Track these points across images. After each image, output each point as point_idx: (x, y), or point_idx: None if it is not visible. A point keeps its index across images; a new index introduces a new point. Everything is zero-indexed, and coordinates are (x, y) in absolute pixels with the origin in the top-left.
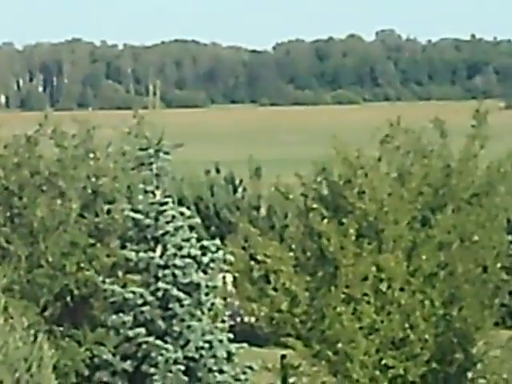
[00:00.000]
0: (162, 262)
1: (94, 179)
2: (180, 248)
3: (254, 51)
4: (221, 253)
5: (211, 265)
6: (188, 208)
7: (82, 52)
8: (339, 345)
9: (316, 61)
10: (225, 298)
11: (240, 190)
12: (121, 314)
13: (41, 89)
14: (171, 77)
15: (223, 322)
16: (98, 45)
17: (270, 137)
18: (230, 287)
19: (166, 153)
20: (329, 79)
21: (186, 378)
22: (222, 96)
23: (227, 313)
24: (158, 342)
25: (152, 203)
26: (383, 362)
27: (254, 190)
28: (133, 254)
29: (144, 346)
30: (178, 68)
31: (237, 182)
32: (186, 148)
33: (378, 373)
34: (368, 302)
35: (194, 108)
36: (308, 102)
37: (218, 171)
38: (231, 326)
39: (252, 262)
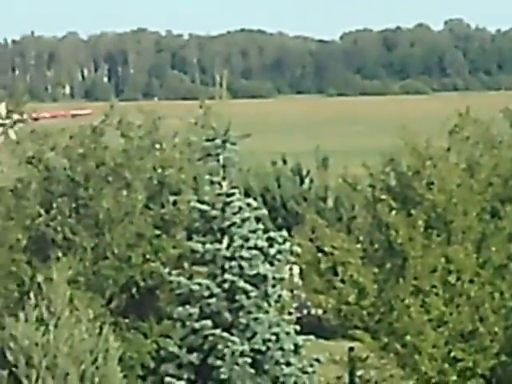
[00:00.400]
0: (228, 254)
1: (159, 170)
2: (247, 239)
3: (321, 41)
4: (288, 244)
5: (278, 256)
6: (254, 199)
7: (147, 42)
8: (407, 337)
9: (384, 50)
10: (291, 290)
11: (307, 180)
12: (187, 306)
13: (106, 79)
14: (237, 67)
15: (290, 314)
16: (163, 34)
17: (337, 127)
18: (296, 279)
19: (233, 143)
20: (397, 69)
21: (252, 371)
22: (288, 86)
23: (294, 305)
24: (225, 334)
25: (219, 194)
26: (452, 354)
27: (320, 180)
28: (199, 245)
29: (210, 339)
30: (244, 58)
31: (304, 172)
32: (253, 139)
33: (446, 365)
34: (437, 294)
35: (260, 98)
36: (375, 92)
37: (284, 162)
38: (298, 318)
39: (319, 254)
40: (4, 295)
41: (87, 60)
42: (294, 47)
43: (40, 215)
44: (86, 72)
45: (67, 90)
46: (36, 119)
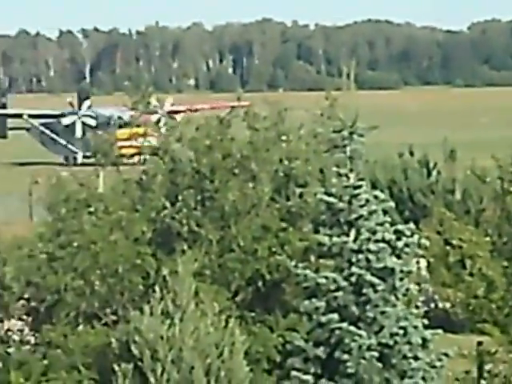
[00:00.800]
0: (355, 247)
1: (286, 162)
2: (374, 232)
3: (448, 31)
4: (415, 237)
5: (406, 249)
6: (381, 191)
7: (272, 32)
8: None
9: None
10: (418, 284)
11: (434, 173)
12: (313, 300)
13: (230, 70)
14: (363, 58)
15: (417, 307)
16: (289, 25)
17: (464, 119)
18: (423, 272)
19: (361, 135)
20: None
21: (379, 365)
22: (415, 77)
23: (421, 298)
24: (352, 328)
25: (346, 186)
26: None
27: (448, 173)
28: (326, 238)
29: (337, 332)
30: (371, 48)
31: (431, 164)
32: (379, 130)
33: None
34: None
35: (386, 90)
36: (504, 83)
37: (411, 154)
38: (425, 312)
39: (447, 247)
40: (129, 288)
41: (212, 51)
42: (421, 38)
43: (165, 207)
44: (210, 63)
45: (192, 81)
46: (195, 110)
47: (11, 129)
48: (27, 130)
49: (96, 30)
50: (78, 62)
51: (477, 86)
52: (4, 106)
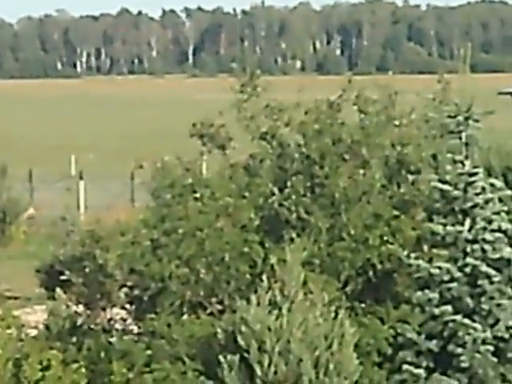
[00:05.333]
0: (470, 237)
1: (398, 148)
2: (490, 221)
3: None
4: None
5: None
6: (496, 179)
7: (382, 13)
8: None
9: None
10: None
11: None
12: (426, 291)
13: (338, 51)
14: (477, 39)
15: None
16: (399, 5)
17: None
18: None
19: (476, 120)
20: None
21: (494, 359)
22: None
23: None
24: (466, 320)
25: (461, 174)
26: None
27: None
28: (439, 227)
29: (451, 325)
30: (485, 30)
31: None
32: (493, 114)
33: None
34: None
35: (500, 73)
36: None
37: None
38: None
39: None
40: (235, 277)
41: (319, 32)
42: None
43: (273, 194)
44: (317, 44)
45: (298, 63)
46: None
47: None
48: None
49: (200, 9)
50: (180, 43)
51: None
52: None
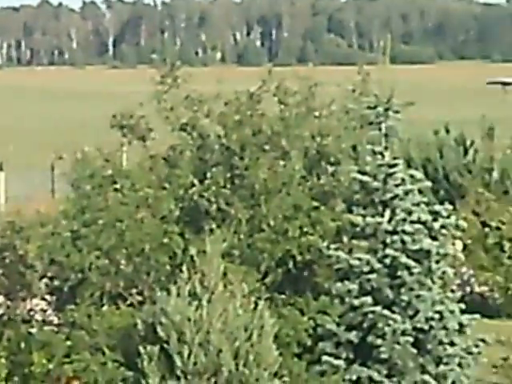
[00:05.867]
0: (390, 228)
1: (318, 139)
2: (409, 213)
3: (486, 4)
4: (453, 218)
5: (442, 231)
6: (416, 170)
7: (302, 4)
8: None
9: None
10: (453, 267)
11: (471, 151)
12: (346, 282)
13: (258, 43)
14: (397, 31)
15: (453, 291)
16: None
17: (503, 95)
18: (459, 255)
19: (396, 112)
20: None
21: (414, 351)
22: (450, 52)
23: (456, 282)
24: (385, 311)
25: (380, 165)
26: None
27: (486, 151)
28: (359, 218)
29: (370, 316)
30: (405, 21)
31: (468, 143)
32: (413, 106)
33: None
34: None
35: (420, 64)
36: None
37: (447, 131)
38: (461, 296)
39: (485, 229)
40: (155, 268)
41: (239, 23)
42: (457, 10)
43: (193, 185)
44: (238, 36)
45: (218, 54)
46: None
47: None
48: None
49: (120, 0)
50: (101, 34)
51: None
52: None
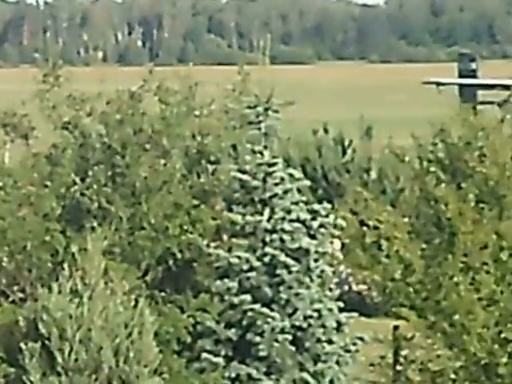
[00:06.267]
0: (269, 226)
1: (198, 138)
2: (289, 212)
3: (364, 5)
4: (331, 217)
5: (321, 230)
6: (294, 169)
7: (183, 5)
8: (456, 316)
9: (430, 16)
10: (331, 265)
11: (349, 151)
12: (226, 280)
13: (140, 43)
14: (276, 31)
15: (331, 290)
16: None
17: (380, 95)
18: (337, 253)
19: (276, 111)
20: (444, 35)
21: (292, 348)
22: (329, 52)
23: (335, 280)
24: (264, 309)
25: (260, 164)
26: (503, 335)
27: (364, 151)
28: (239, 217)
29: (249, 314)
30: (284, 22)
31: (346, 142)
32: (292, 106)
33: (496, 347)
34: (487, 272)
35: (300, 64)
36: (421, 59)
37: (326, 131)
38: (339, 295)
39: (363, 228)
40: (37, 265)
41: (121, 23)
42: (336, 11)
43: (75, 183)
44: (119, 36)
45: (100, 54)
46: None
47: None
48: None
49: (3, 0)
50: None
51: (393, 61)
52: (474, 75)
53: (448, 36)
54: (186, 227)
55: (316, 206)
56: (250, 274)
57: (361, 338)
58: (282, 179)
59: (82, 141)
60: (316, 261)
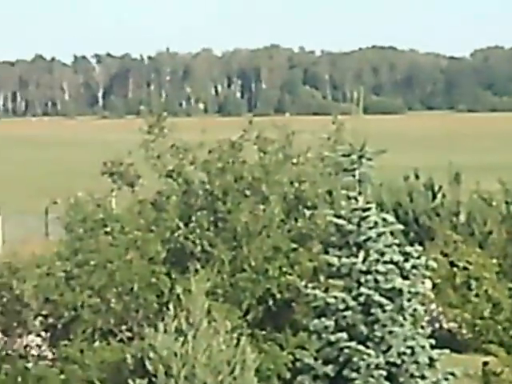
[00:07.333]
0: (364, 268)
1: (296, 184)
2: (382, 254)
3: (452, 58)
4: (423, 259)
5: (413, 271)
6: (387, 213)
7: (280, 58)
8: None
9: None
10: (423, 304)
11: (439, 195)
12: (323, 319)
13: (239, 94)
14: (368, 83)
15: (423, 327)
16: (296, 51)
17: (468, 143)
18: (429, 293)
19: (369, 159)
20: None
21: None
22: (419, 102)
23: (426, 318)
24: (360, 347)
25: (355, 209)
26: None
27: (453, 196)
28: (335, 259)
29: (346, 351)
30: (376, 74)
31: (436, 187)
32: (384, 153)
33: None
34: None
35: (391, 114)
36: (506, 109)
37: (417, 177)
38: (431, 332)
39: (453, 269)
40: (144, 306)
41: (221, 76)
42: (425, 64)
43: (179, 228)
44: (219, 88)
45: (201, 105)
46: None
47: None
48: None
49: (109, 55)
50: (91, 87)
51: (480, 111)
52: None
53: None
54: (284, 269)
55: (408, 249)
56: (346, 313)
57: (452, 374)
58: (376, 223)
59: (185, 188)
60: (409, 300)
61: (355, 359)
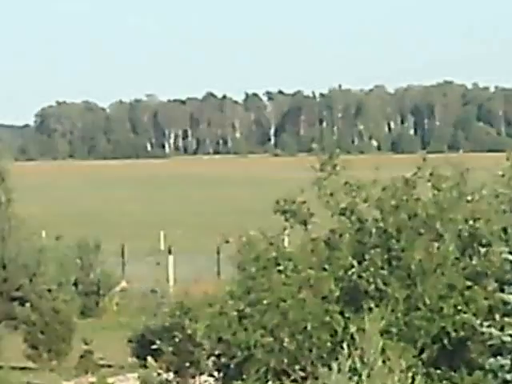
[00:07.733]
0: None
1: (471, 222)
2: None
3: None
4: None
5: None
6: None
7: (453, 94)
8: None
9: None
10: None
11: None
12: (498, 357)
13: (412, 131)
14: None
15: None
16: (469, 87)
17: None
18: None
19: None
20: None
21: None
22: None
23: None
24: None
25: None
26: None
27: None
28: (511, 297)
29: None
30: None
31: None
32: None
33: None
34: None
35: None
36: None
37: None
38: None
39: None
40: (317, 345)
41: (394, 113)
42: None
43: (353, 266)
44: (392, 125)
45: (374, 142)
46: None
47: None
48: None
49: (281, 92)
50: (263, 124)
51: None
52: None
53: None
54: (459, 307)
55: None
56: None
57: None
58: None
59: (358, 226)
60: None
61: None
